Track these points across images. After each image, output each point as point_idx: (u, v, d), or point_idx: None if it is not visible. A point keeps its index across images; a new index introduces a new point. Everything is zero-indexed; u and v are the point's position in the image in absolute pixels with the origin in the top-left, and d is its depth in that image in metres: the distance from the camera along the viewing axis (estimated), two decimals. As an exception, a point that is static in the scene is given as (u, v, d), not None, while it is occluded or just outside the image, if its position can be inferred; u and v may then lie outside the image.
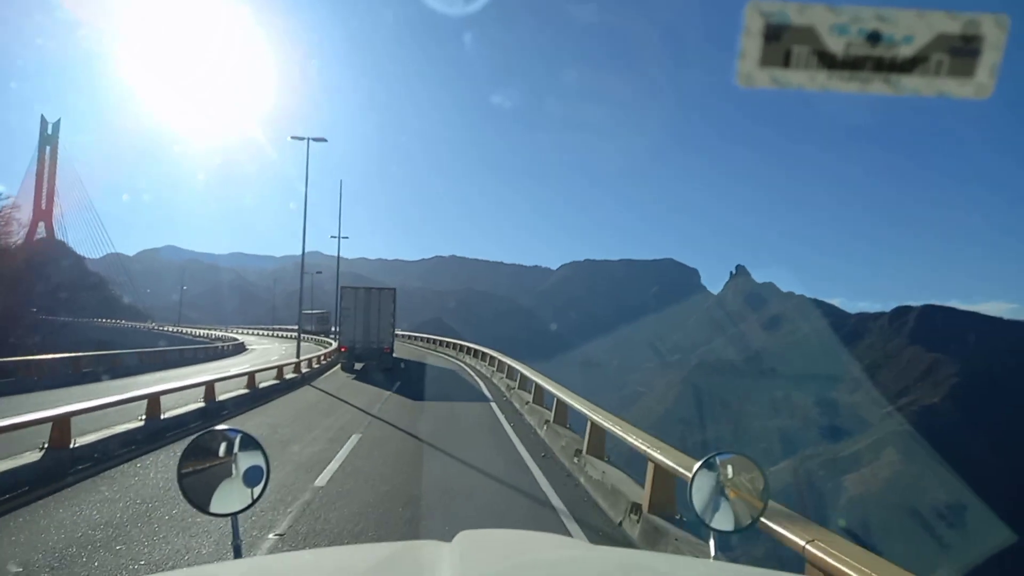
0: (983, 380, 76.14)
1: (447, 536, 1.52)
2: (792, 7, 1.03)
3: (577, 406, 9.73)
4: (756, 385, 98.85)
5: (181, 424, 11.04)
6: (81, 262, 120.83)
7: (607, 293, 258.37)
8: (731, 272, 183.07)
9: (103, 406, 9.10)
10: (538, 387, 13.82)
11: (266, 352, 37.68)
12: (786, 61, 1.05)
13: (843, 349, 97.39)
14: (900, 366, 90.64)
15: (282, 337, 58.97)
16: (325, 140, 23.99)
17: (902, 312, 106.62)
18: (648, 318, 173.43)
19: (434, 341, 42.61)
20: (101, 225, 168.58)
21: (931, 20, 1.01)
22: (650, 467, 6.10)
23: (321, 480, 7.73)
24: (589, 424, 8.61)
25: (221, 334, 61.81)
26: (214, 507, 1.87)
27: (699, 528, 4.87)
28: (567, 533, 6.08)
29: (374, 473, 8.27)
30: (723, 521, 1.93)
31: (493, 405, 15.76)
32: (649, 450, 6.12)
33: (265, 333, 69.73)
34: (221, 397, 13.75)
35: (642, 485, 6.67)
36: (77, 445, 8.09)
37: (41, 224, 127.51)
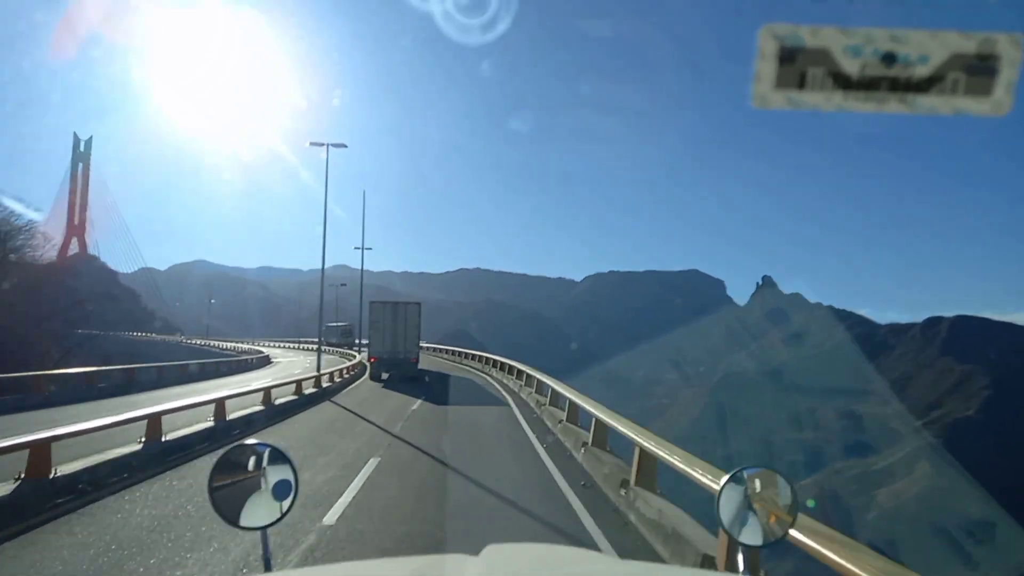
0: (1017, 392, 74.32)
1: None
2: (805, 30, 1.05)
3: (620, 428, 8.54)
4: (780, 398, 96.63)
5: (184, 447, 10.09)
6: (114, 276, 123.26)
7: (632, 305, 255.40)
8: (757, 283, 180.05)
9: (92, 429, 8.21)
10: (572, 404, 12.65)
11: (290, 365, 37.08)
12: (801, 83, 1.06)
13: (870, 362, 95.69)
14: (932, 378, 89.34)
15: (308, 350, 58.65)
16: (345, 146, 23.39)
17: (934, 323, 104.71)
18: (673, 330, 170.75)
19: (459, 353, 41.65)
20: (132, 240, 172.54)
21: (945, 40, 1.03)
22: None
23: (330, 517, 6.68)
24: (637, 451, 7.44)
25: (247, 347, 61.81)
26: (244, 521, 1.88)
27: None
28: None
29: (392, 508, 7.21)
30: (751, 535, 1.90)
31: (523, 423, 14.64)
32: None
33: (291, 346, 69.68)
34: (233, 415, 12.86)
35: (713, 532, 5.51)
36: (58, 475, 7.17)
37: (74, 240, 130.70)
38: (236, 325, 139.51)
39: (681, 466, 6.06)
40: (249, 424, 12.88)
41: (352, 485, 8.09)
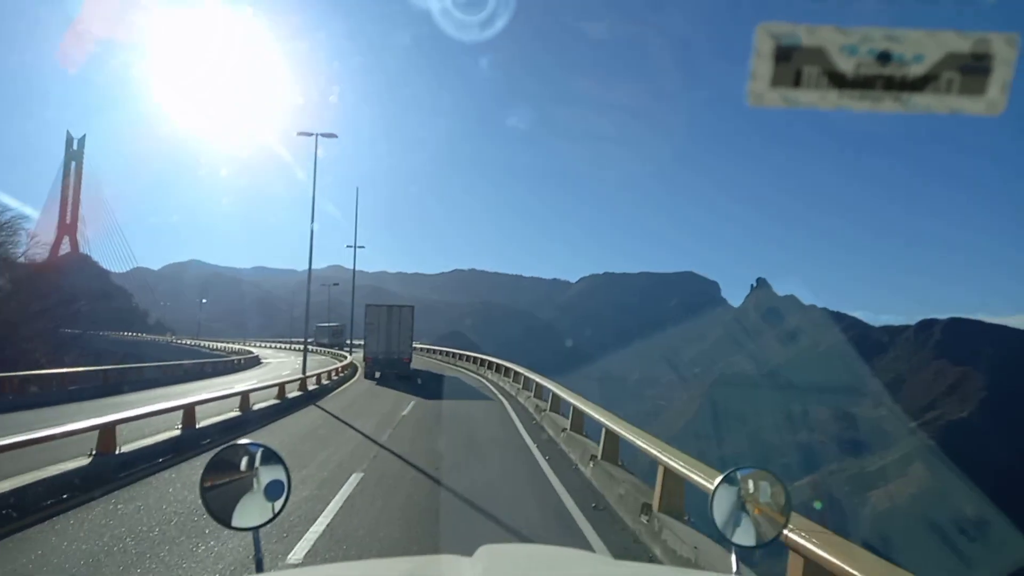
0: (1011, 394, 74.57)
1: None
2: (802, 29, 1.05)
3: (640, 443, 7.43)
4: (775, 399, 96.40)
5: (143, 460, 8.90)
6: (106, 275, 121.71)
7: (627, 306, 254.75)
8: (752, 285, 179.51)
9: (25, 443, 7.04)
10: (576, 411, 11.53)
11: (280, 366, 35.88)
12: (797, 81, 1.07)
13: (865, 364, 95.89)
14: (926, 380, 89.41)
15: (299, 350, 57.46)
16: (335, 136, 22.49)
17: (928, 325, 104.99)
18: (668, 331, 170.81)
19: (453, 355, 40.56)
20: (124, 239, 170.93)
21: (941, 39, 1.03)
22: (794, 559, 3.82)
23: (297, 553, 5.56)
24: (662, 471, 6.34)
25: (237, 347, 60.56)
26: (236, 521, 1.86)
27: None
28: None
29: (373, 540, 6.06)
30: (745, 536, 1.89)
31: (522, 430, 13.55)
32: (800, 539, 3.75)
33: (283, 346, 68.47)
34: (204, 423, 11.70)
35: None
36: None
37: (66, 238, 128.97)
38: (231, 325, 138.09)
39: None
40: (222, 432, 11.69)
41: (329, 508, 6.98)
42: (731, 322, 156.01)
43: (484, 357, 32.00)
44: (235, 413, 13.29)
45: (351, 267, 42.73)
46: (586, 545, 6.19)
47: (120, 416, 8.91)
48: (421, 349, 43.73)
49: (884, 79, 1.04)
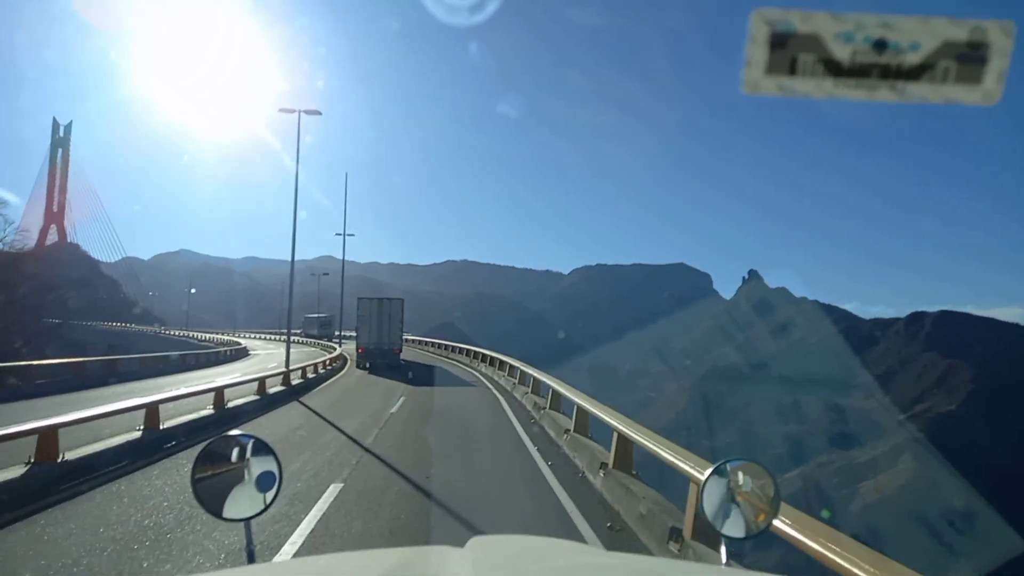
0: (999, 386, 75.28)
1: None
2: (796, 15, 1.04)
3: (664, 453, 6.37)
4: (766, 391, 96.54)
5: (91, 468, 7.82)
6: (95, 265, 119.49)
7: (619, 297, 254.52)
8: (743, 277, 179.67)
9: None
10: (581, 411, 10.49)
11: (268, 358, 34.66)
12: (792, 69, 1.05)
13: (855, 356, 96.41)
14: (916, 372, 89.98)
15: (293, 341, 56.27)
16: (319, 113, 21.12)
17: (917, 317, 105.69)
18: (660, 323, 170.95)
19: (446, 347, 39.55)
20: (113, 229, 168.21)
21: (936, 27, 1.02)
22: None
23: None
24: (695, 492, 5.31)
25: (226, 338, 59.27)
26: (227, 512, 1.84)
27: None
28: None
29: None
30: (734, 528, 1.88)
31: (521, 432, 12.53)
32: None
33: (273, 337, 67.19)
34: (172, 423, 10.61)
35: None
36: None
37: (53, 227, 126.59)
38: (222, 316, 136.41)
39: (785, 529, 3.93)
40: (190, 434, 10.57)
41: (299, 530, 5.93)
42: (722, 314, 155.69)
43: (477, 349, 31.01)
44: (208, 411, 12.20)
45: (342, 257, 41.48)
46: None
47: (63, 419, 7.80)
48: (412, 341, 42.85)
49: (880, 67, 1.02)
